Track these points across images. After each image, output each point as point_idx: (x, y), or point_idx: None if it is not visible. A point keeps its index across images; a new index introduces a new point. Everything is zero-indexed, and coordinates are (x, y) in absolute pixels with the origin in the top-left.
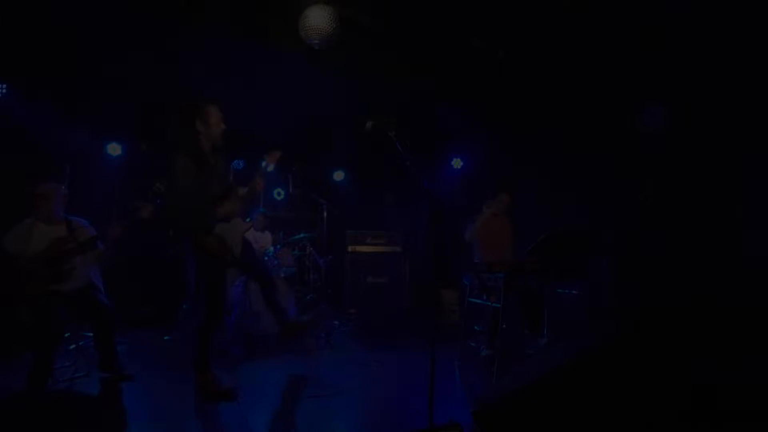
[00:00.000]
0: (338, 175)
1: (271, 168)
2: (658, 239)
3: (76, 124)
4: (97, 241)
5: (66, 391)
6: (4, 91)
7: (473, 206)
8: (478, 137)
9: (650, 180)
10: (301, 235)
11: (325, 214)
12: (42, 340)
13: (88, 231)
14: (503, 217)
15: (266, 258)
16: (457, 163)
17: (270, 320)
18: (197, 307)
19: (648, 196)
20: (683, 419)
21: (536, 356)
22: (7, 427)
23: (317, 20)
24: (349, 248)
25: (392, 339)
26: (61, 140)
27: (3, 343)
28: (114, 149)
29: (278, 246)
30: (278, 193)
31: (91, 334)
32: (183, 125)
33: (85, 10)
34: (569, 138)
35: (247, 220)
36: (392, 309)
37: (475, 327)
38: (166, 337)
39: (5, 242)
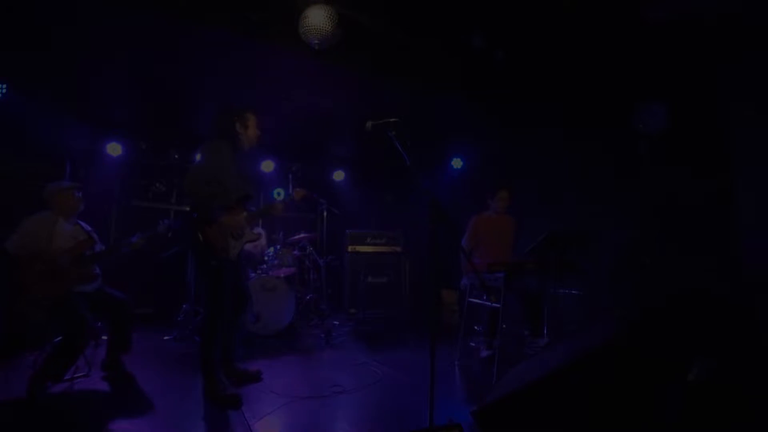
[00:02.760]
0: (338, 175)
1: (297, 197)
2: (658, 239)
3: (76, 124)
4: (111, 254)
5: (66, 391)
6: (4, 91)
7: (473, 206)
8: (478, 137)
9: (649, 179)
10: (301, 235)
11: (325, 214)
12: (74, 338)
13: (94, 235)
14: (505, 217)
15: (266, 258)
16: (457, 163)
17: (270, 320)
18: (197, 307)
19: (646, 196)
20: (682, 419)
21: (536, 356)
22: (8, 427)
23: (317, 20)
24: (349, 248)
25: (392, 339)
26: (61, 140)
27: (13, 341)
28: (114, 149)
29: (278, 246)
30: (278, 193)
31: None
32: (224, 123)
33: (86, 10)
34: (569, 137)
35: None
36: (392, 309)
37: (475, 327)
38: (166, 337)
39: (26, 230)
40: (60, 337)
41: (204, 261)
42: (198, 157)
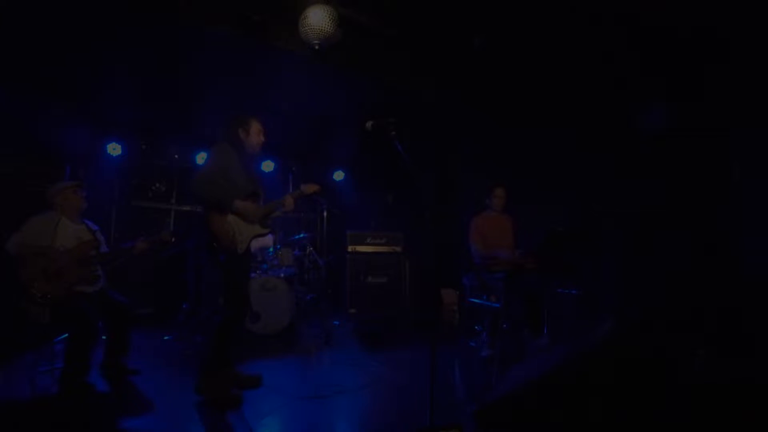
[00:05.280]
0: (338, 175)
1: (308, 191)
2: (658, 239)
3: (76, 124)
4: (114, 256)
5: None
6: (4, 91)
7: (473, 206)
8: (477, 137)
9: (650, 179)
10: (301, 235)
11: (325, 214)
12: (82, 335)
13: (100, 235)
14: (504, 215)
15: (266, 258)
16: (456, 163)
17: (270, 320)
18: (197, 307)
19: (646, 196)
20: (682, 419)
21: (536, 356)
22: (8, 427)
23: (317, 20)
24: (349, 248)
25: (392, 339)
26: (61, 140)
27: (14, 341)
28: (114, 149)
29: (278, 246)
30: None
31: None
32: (228, 130)
33: (85, 10)
34: (570, 137)
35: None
36: (392, 309)
37: (475, 327)
38: (166, 337)
39: (29, 228)
40: (64, 336)
41: (215, 257)
42: (205, 158)
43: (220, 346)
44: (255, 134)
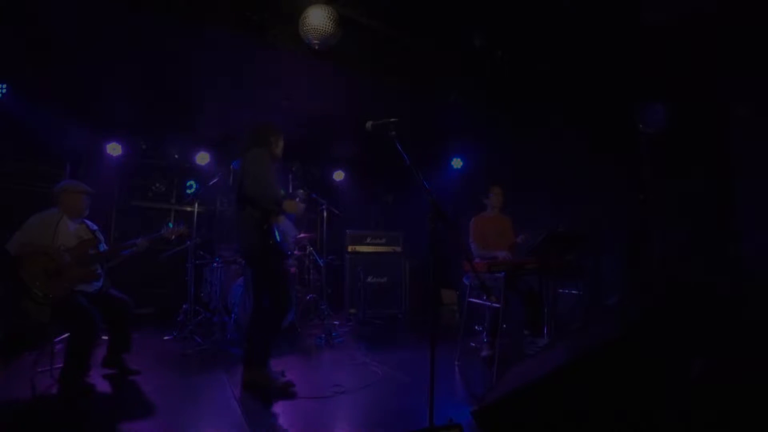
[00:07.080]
0: (338, 175)
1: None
2: (658, 239)
3: (76, 124)
4: (114, 254)
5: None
6: (4, 91)
7: (473, 206)
8: (478, 137)
9: (649, 179)
10: (301, 235)
11: (325, 214)
12: (84, 334)
13: (100, 234)
14: (503, 215)
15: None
16: (457, 163)
17: None
18: (196, 307)
19: (647, 196)
20: (682, 419)
21: (536, 356)
22: (8, 427)
23: (317, 20)
24: (349, 248)
25: (392, 339)
26: (61, 140)
27: (15, 340)
28: (114, 149)
29: None
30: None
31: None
32: (262, 135)
33: (85, 10)
34: (570, 137)
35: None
36: (392, 309)
37: (475, 327)
38: (166, 337)
39: (30, 227)
40: (64, 335)
41: (268, 258)
42: (248, 164)
43: (269, 342)
44: (280, 147)
